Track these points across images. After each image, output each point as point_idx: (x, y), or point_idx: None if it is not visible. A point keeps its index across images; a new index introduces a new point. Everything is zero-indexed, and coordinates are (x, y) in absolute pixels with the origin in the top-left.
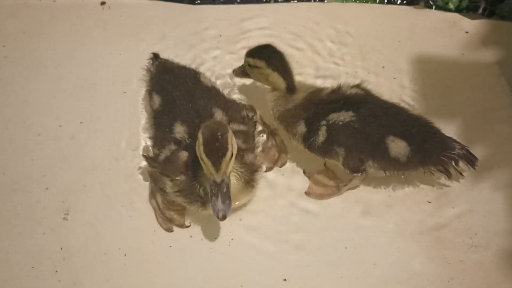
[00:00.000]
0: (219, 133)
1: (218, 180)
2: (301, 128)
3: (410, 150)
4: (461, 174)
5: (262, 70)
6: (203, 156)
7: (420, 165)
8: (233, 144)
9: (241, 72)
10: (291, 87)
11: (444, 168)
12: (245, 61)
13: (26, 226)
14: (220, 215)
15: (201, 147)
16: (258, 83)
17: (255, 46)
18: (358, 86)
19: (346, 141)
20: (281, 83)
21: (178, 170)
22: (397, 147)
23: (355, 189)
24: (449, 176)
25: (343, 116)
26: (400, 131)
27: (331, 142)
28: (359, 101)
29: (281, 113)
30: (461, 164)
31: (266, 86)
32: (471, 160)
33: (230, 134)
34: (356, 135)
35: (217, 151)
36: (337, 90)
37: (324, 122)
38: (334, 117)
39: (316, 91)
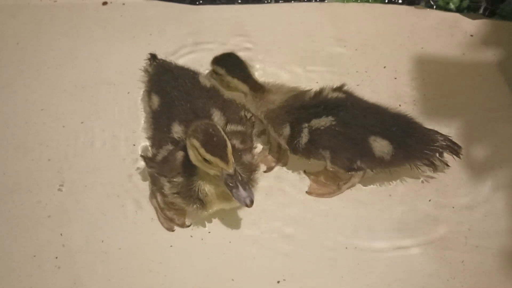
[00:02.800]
0: (210, 129)
1: (231, 171)
2: (287, 131)
3: (393, 148)
4: (447, 165)
5: (223, 77)
6: (208, 156)
7: (405, 161)
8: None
9: (210, 76)
10: (256, 87)
11: (429, 161)
12: (211, 68)
13: (26, 226)
14: (248, 201)
15: (202, 150)
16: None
17: (220, 54)
18: (339, 89)
19: (330, 143)
20: (242, 87)
21: (175, 170)
22: (380, 146)
23: (355, 189)
24: (434, 169)
25: (324, 121)
26: (381, 130)
27: (315, 146)
28: (339, 104)
29: (266, 114)
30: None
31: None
32: (455, 150)
33: (218, 126)
34: (338, 137)
35: (218, 146)
36: (318, 94)
37: (306, 125)
38: (315, 123)
39: (300, 94)
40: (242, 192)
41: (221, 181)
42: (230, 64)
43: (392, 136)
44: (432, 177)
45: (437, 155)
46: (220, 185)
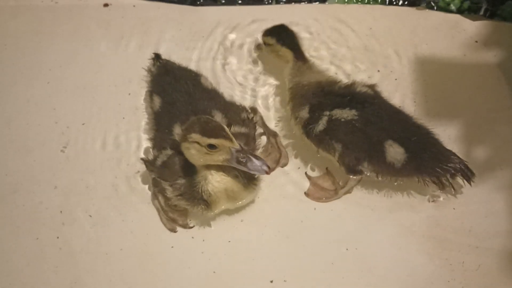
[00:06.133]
0: (202, 119)
1: (238, 146)
2: (304, 113)
3: (406, 158)
4: (454, 189)
5: (273, 47)
6: (212, 140)
7: (414, 173)
8: None
9: (258, 48)
10: (299, 56)
11: (438, 179)
12: (262, 41)
13: (28, 227)
14: (265, 167)
15: (204, 139)
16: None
17: (271, 26)
18: (370, 86)
19: (345, 138)
20: (288, 54)
21: (175, 174)
22: (394, 152)
23: (356, 190)
24: (441, 188)
25: (346, 114)
26: (400, 137)
27: (330, 136)
28: (366, 100)
29: (294, 84)
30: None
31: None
32: (467, 175)
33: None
34: (355, 134)
35: (216, 128)
36: (349, 86)
37: (327, 113)
38: (337, 113)
39: (332, 82)
40: (256, 162)
41: (233, 162)
42: (280, 34)
43: (409, 146)
44: None
45: (448, 176)
46: (229, 174)
